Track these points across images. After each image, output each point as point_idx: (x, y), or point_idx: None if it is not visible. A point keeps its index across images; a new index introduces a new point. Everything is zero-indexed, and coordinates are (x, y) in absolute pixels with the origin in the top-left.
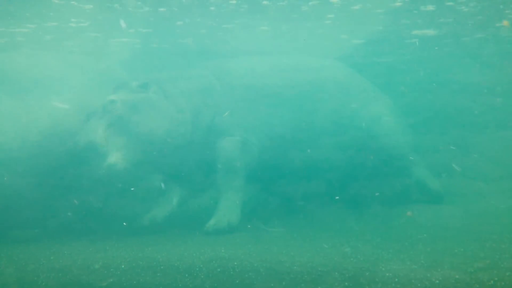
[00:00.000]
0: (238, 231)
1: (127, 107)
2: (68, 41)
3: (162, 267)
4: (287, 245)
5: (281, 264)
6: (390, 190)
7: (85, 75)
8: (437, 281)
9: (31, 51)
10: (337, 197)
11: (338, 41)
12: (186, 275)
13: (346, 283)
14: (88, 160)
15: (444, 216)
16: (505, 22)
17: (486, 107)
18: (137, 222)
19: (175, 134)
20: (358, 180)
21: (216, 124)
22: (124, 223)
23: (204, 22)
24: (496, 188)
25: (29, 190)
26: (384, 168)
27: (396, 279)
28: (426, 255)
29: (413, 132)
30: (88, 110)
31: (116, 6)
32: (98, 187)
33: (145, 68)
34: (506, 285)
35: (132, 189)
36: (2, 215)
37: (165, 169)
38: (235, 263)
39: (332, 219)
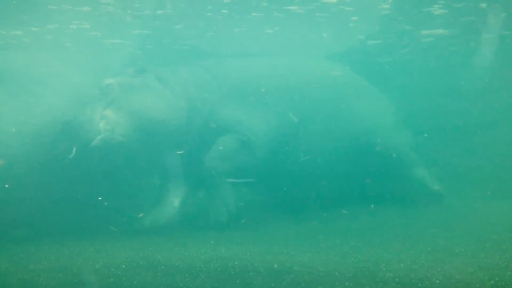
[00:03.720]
0: (235, 229)
1: (123, 88)
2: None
3: (162, 267)
4: (287, 245)
5: (281, 264)
6: (390, 190)
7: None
8: (437, 281)
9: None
10: (337, 197)
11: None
12: (187, 275)
13: (347, 283)
14: (85, 139)
15: (444, 216)
16: None
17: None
18: (138, 223)
19: (170, 116)
20: (357, 181)
21: (211, 121)
22: (125, 225)
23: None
24: (496, 188)
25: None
26: (384, 168)
27: (396, 279)
28: (427, 255)
29: (413, 132)
30: (86, 95)
31: (110, 9)
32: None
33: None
34: (506, 285)
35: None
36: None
37: (159, 153)
38: (235, 263)
39: (333, 219)
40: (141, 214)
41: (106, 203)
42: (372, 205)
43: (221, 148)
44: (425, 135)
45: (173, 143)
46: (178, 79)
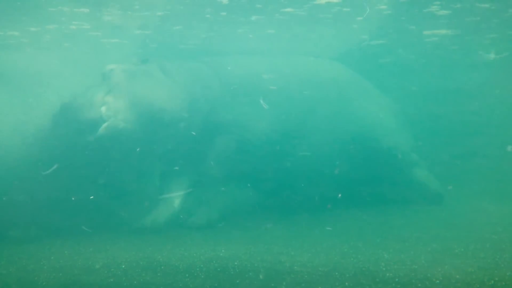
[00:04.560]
0: (235, 230)
1: (126, 75)
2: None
3: (162, 267)
4: (287, 245)
5: (281, 264)
6: (391, 191)
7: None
8: (437, 281)
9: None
10: (339, 196)
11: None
12: (187, 275)
13: (347, 283)
14: (88, 124)
15: (444, 216)
16: None
17: None
18: (139, 224)
19: (171, 105)
20: (358, 181)
21: (211, 117)
22: (126, 225)
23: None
24: (496, 188)
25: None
26: (385, 169)
27: (396, 279)
28: (427, 255)
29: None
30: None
31: (110, 10)
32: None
33: None
34: (506, 285)
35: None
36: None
37: (159, 143)
38: (235, 263)
39: (333, 219)
40: (123, 213)
41: (104, 203)
42: (329, 205)
43: (220, 147)
44: (426, 136)
45: (173, 134)
46: (181, 72)
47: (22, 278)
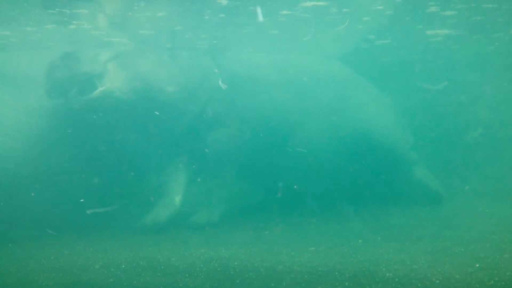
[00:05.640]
0: (235, 229)
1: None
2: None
3: (162, 267)
4: (287, 245)
5: (281, 264)
6: (391, 190)
7: None
8: (437, 281)
9: None
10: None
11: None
12: (186, 275)
13: (346, 283)
14: (84, 80)
15: (444, 216)
16: None
17: None
18: (139, 222)
19: (170, 86)
20: (357, 180)
21: (208, 109)
22: (126, 225)
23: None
24: (496, 188)
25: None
26: (384, 168)
27: (396, 279)
28: (427, 255)
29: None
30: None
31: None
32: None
33: None
34: (506, 285)
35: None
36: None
37: (155, 125)
38: (235, 263)
39: (333, 219)
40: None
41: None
42: (296, 186)
43: (216, 141)
44: (431, 135)
45: (169, 118)
46: (184, 59)
47: (22, 278)
